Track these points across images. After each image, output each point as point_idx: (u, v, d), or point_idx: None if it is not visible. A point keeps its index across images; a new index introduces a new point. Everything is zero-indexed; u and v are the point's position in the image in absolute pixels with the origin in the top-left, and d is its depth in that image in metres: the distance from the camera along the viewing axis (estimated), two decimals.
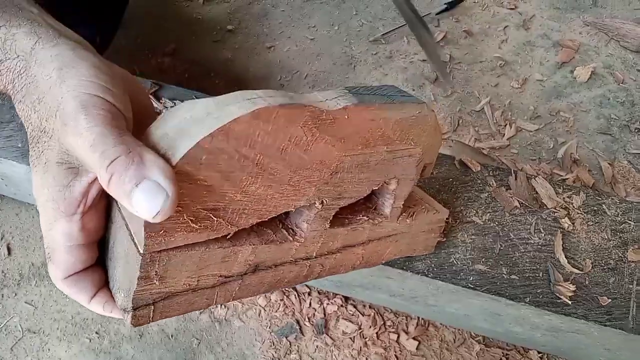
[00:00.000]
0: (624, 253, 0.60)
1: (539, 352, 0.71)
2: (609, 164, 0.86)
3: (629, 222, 0.63)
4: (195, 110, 0.33)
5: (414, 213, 0.51)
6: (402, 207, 0.48)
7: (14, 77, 0.37)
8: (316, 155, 0.37)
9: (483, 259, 0.60)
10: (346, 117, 0.38)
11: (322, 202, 0.40)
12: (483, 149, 0.87)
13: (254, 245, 0.39)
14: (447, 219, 0.56)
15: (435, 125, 0.46)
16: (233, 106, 0.32)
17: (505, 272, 0.59)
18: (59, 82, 0.35)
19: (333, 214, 0.42)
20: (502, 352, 0.72)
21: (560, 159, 0.86)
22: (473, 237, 0.61)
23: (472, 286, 0.58)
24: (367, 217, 0.46)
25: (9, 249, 0.78)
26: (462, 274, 0.59)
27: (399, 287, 0.64)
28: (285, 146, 0.35)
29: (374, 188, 0.44)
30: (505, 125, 0.90)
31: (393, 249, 0.52)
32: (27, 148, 0.58)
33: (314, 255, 0.44)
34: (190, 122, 0.32)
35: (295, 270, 0.44)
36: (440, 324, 0.74)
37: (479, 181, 0.65)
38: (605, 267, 0.60)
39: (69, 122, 0.33)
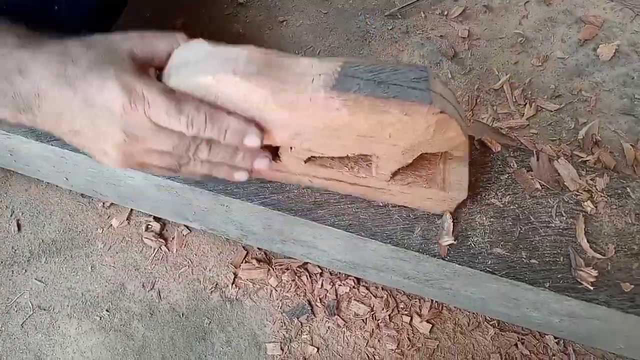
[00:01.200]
0: None
1: (555, 337, 0.70)
2: (631, 145, 0.83)
3: None
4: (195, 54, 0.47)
5: (409, 183, 0.55)
6: (390, 174, 0.54)
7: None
8: (276, 119, 0.47)
9: (502, 243, 0.58)
10: (309, 100, 0.45)
11: (291, 148, 0.52)
12: (502, 128, 0.84)
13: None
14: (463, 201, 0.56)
15: (438, 127, 0.46)
16: (211, 62, 0.45)
17: (524, 256, 0.57)
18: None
19: (306, 157, 0.53)
20: (518, 337, 0.70)
21: (581, 140, 0.83)
22: (492, 219, 0.59)
23: (490, 270, 0.57)
24: (349, 167, 0.55)
25: (18, 225, 0.77)
26: (480, 257, 0.57)
27: (414, 270, 0.62)
28: (249, 107, 0.46)
29: (351, 154, 0.51)
30: (525, 105, 0.87)
31: (389, 198, 0.58)
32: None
33: (297, 173, 0.57)
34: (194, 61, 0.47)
35: (284, 176, 0.58)
36: (454, 307, 0.72)
37: (499, 162, 0.63)
38: (628, 253, 0.58)
39: None
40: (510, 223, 0.59)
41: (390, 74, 0.46)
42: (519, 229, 0.59)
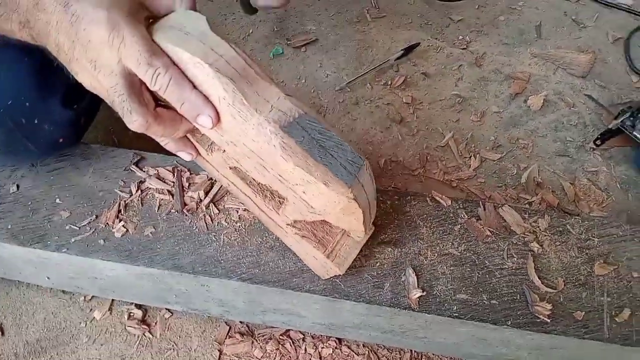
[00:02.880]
0: (592, 268, 0.65)
1: None
2: (570, 183, 0.92)
3: (593, 238, 0.67)
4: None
5: (303, 236, 0.59)
6: (292, 220, 0.58)
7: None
8: (224, 120, 0.50)
9: (464, 288, 0.63)
10: (257, 124, 0.48)
11: (224, 151, 0.57)
12: (452, 180, 0.92)
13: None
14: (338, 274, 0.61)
15: (345, 208, 0.50)
16: (198, 44, 0.47)
17: (485, 299, 0.63)
18: None
19: (231, 164, 0.58)
20: None
21: (525, 184, 0.92)
22: (452, 268, 0.65)
23: (457, 315, 0.62)
24: (263, 195, 0.60)
25: (2, 330, 0.78)
26: (446, 304, 0.62)
27: (389, 324, 0.67)
28: (208, 94, 0.49)
29: (269, 185, 0.56)
30: (470, 157, 0.95)
31: (283, 237, 0.63)
32: (15, 230, 0.61)
33: (220, 173, 0.61)
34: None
35: (210, 168, 0.62)
36: (433, 354, 0.76)
37: (451, 214, 0.69)
38: (576, 283, 0.64)
39: None
40: (469, 269, 0.65)
41: (335, 145, 0.50)
42: (477, 274, 0.64)
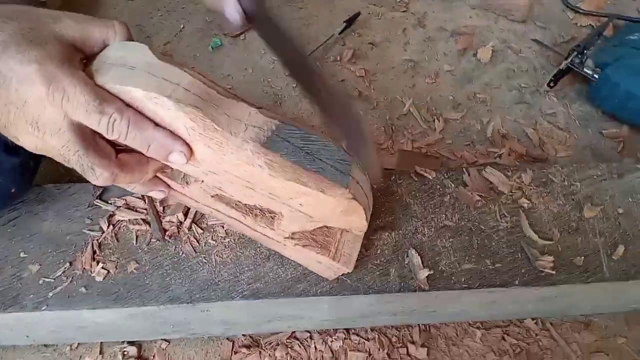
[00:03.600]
0: (581, 212, 0.67)
1: (533, 319, 0.76)
2: (532, 129, 0.94)
3: (575, 183, 0.69)
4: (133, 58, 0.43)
5: (305, 245, 0.56)
6: (290, 233, 0.56)
7: None
8: (197, 150, 0.46)
9: (467, 257, 0.63)
10: (235, 148, 0.44)
11: (202, 181, 0.52)
12: (421, 147, 0.92)
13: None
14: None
15: (346, 209, 0.49)
16: (148, 77, 0.42)
17: (489, 263, 0.63)
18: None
19: (213, 193, 0.54)
20: (502, 330, 0.76)
21: (491, 137, 0.93)
22: (451, 240, 0.65)
23: (466, 285, 0.62)
24: (253, 215, 0.56)
25: None
26: (453, 277, 0.62)
27: (399, 307, 0.66)
28: (173, 127, 0.44)
29: (259, 205, 0.54)
30: (433, 120, 0.95)
31: (282, 250, 0.61)
32: None
33: (201, 202, 0.56)
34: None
35: (186, 200, 0.57)
36: (440, 323, 0.77)
37: (438, 186, 0.69)
38: (570, 230, 0.66)
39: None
40: (467, 237, 0.65)
41: (320, 148, 0.47)
42: (476, 240, 0.65)
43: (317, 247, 0.57)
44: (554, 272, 0.62)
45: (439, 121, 0.95)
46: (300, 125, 0.48)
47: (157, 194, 0.53)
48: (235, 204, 0.55)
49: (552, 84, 0.98)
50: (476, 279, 0.62)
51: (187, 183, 0.54)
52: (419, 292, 0.61)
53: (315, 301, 0.62)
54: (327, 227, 0.58)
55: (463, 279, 0.62)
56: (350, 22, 1.07)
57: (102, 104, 0.41)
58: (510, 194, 0.68)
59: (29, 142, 0.43)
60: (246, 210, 0.56)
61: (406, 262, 0.63)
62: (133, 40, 0.45)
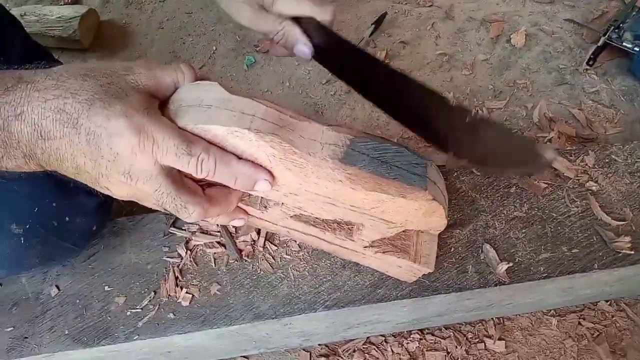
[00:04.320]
0: None
1: (606, 301, 0.76)
2: (578, 109, 0.93)
3: (639, 160, 0.68)
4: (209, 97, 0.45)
5: (385, 251, 0.57)
6: (370, 242, 0.56)
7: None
8: (279, 175, 0.47)
9: (542, 247, 0.63)
10: (315, 167, 0.45)
11: (283, 204, 0.53)
12: None
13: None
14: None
15: (426, 211, 0.49)
16: (226, 113, 0.43)
17: (566, 250, 0.63)
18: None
19: (292, 214, 0.54)
20: (577, 315, 0.76)
21: (538, 122, 0.92)
22: (524, 230, 0.65)
23: (546, 275, 0.62)
24: (333, 229, 0.56)
25: None
26: (532, 268, 0.62)
27: (477, 303, 0.66)
28: (256, 159, 0.46)
29: (339, 219, 0.54)
30: (477, 112, 0.95)
31: (360, 260, 0.61)
32: (74, 333, 0.55)
33: (279, 224, 0.57)
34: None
35: (264, 225, 0.58)
36: (515, 314, 0.77)
37: (502, 178, 0.69)
38: None
39: None
40: (540, 226, 0.65)
41: (394, 154, 0.48)
42: (549, 229, 0.65)
43: (397, 251, 0.58)
44: (632, 252, 0.62)
45: (482, 112, 0.95)
46: (371, 136, 0.49)
47: (238, 222, 0.54)
48: (314, 221, 0.56)
49: (591, 62, 0.97)
50: (555, 267, 0.62)
51: (265, 207, 0.55)
52: (500, 286, 0.61)
53: (395, 305, 0.63)
54: (404, 230, 0.59)
55: (542, 269, 0.62)
56: (378, 23, 1.08)
57: (190, 146, 0.42)
58: (577, 178, 0.67)
59: (121, 191, 0.44)
60: (324, 226, 0.57)
61: (482, 258, 0.63)
62: (199, 79, 0.47)
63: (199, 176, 0.44)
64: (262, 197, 0.54)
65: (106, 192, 0.45)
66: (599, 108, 0.93)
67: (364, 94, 0.57)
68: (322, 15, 0.55)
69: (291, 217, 0.56)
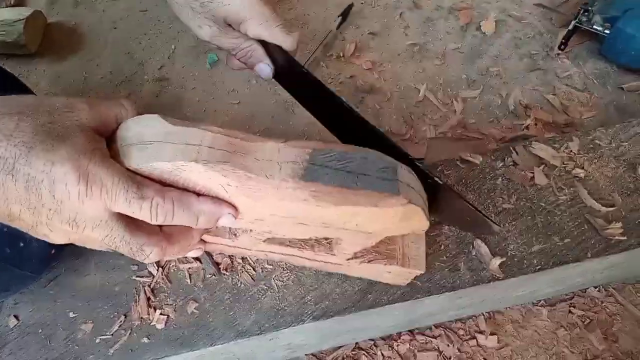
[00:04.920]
0: (635, 172, 0.65)
1: (595, 287, 0.75)
2: (552, 94, 0.92)
3: (622, 144, 0.67)
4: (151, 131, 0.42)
5: (370, 260, 0.54)
6: (352, 254, 0.53)
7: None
8: (239, 204, 0.44)
9: (534, 238, 0.61)
10: (275, 189, 0.42)
11: (251, 230, 0.51)
12: (445, 132, 0.89)
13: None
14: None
15: (404, 215, 0.46)
16: (170, 147, 0.40)
17: (558, 240, 0.61)
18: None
19: (265, 238, 0.52)
20: (567, 304, 0.75)
21: (514, 110, 0.91)
22: (514, 222, 0.62)
23: (539, 267, 0.59)
24: (309, 246, 0.54)
25: None
26: (525, 261, 0.60)
27: (469, 300, 0.64)
28: (211, 190, 0.43)
29: (314, 237, 0.51)
30: (451, 102, 0.93)
31: (347, 271, 0.58)
32: None
33: (253, 249, 0.56)
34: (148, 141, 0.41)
35: (239, 252, 0.58)
36: (505, 307, 0.75)
37: (488, 170, 0.66)
38: (629, 192, 0.64)
39: None
40: (530, 217, 0.63)
41: (360, 162, 0.45)
42: (539, 219, 0.62)
43: (383, 258, 0.54)
44: (624, 237, 0.60)
45: (457, 102, 0.92)
46: (333, 145, 0.45)
47: (196, 253, 0.51)
48: (289, 242, 0.53)
49: (562, 47, 0.96)
50: (548, 258, 0.60)
51: (235, 235, 0.53)
52: (494, 281, 0.59)
53: (387, 310, 0.59)
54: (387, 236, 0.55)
55: (535, 261, 0.60)
56: (345, 15, 1.04)
57: (140, 188, 0.39)
58: (563, 165, 0.66)
59: (62, 238, 0.41)
60: (302, 245, 0.54)
61: (474, 254, 0.60)
62: (141, 114, 0.44)
63: (155, 222, 0.40)
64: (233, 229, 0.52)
65: (44, 239, 0.40)
66: (573, 92, 0.92)
67: (322, 122, 0.59)
68: (289, 44, 0.56)
69: (264, 241, 0.53)
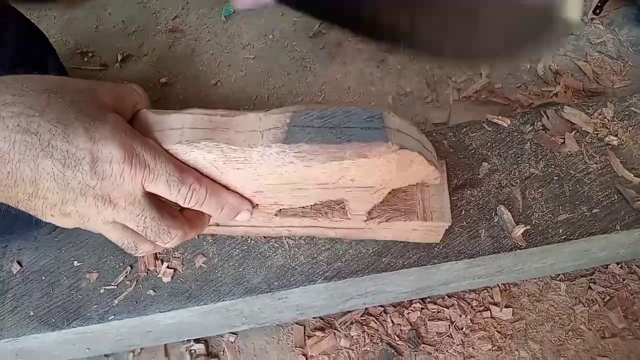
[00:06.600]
0: None
1: (617, 263, 0.72)
2: (584, 62, 0.87)
3: None
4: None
5: (389, 219, 0.53)
6: (366, 214, 0.51)
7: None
8: (233, 179, 0.44)
9: (560, 207, 0.58)
10: (260, 156, 0.42)
11: (257, 205, 0.50)
12: (470, 96, 0.85)
13: None
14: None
15: (399, 163, 0.43)
16: (159, 134, 0.41)
17: (586, 210, 0.58)
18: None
19: (275, 211, 0.51)
20: (587, 279, 0.72)
21: (543, 75, 0.86)
22: (540, 190, 0.59)
23: (565, 237, 0.56)
24: (323, 213, 0.52)
25: None
26: (550, 230, 0.57)
27: (487, 269, 0.61)
28: (203, 168, 0.43)
29: (319, 201, 0.50)
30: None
31: (373, 235, 0.56)
32: (41, 314, 0.49)
33: (272, 226, 0.55)
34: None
35: (263, 231, 0.56)
36: (522, 280, 0.72)
37: (515, 133, 0.63)
38: None
39: None
40: (557, 185, 0.59)
41: (343, 117, 0.43)
42: (567, 187, 0.59)
43: (402, 215, 0.52)
44: None
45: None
46: (314, 106, 0.44)
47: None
48: (302, 212, 0.52)
49: (597, 11, 0.91)
50: (575, 228, 0.57)
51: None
52: (515, 250, 0.56)
53: (402, 274, 0.57)
54: (404, 191, 0.53)
55: (561, 231, 0.57)
56: None
57: (182, 173, 0.40)
58: (595, 132, 0.62)
59: (73, 222, 0.40)
60: (315, 213, 0.52)
61: (496, 220, 0.57)
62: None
63: (186, 205, 0.42)
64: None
65: (52, 221, 0.40)
66: (606, 60, 0.87)
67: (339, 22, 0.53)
68: None
69: (275, 215, 0.52)
